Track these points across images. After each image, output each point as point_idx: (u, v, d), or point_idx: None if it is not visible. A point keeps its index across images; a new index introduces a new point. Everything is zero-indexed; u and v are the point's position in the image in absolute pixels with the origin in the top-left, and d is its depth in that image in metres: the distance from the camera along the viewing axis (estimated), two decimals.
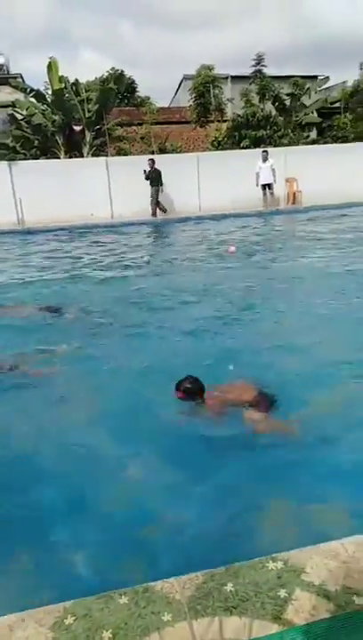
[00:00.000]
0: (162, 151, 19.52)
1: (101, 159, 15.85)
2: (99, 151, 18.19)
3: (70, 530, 2.25)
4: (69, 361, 4.12)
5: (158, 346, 4.52)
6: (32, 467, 2.76)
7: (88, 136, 17.86)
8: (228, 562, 1.61)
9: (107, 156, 16.97)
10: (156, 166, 14.61)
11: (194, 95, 20.11)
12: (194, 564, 1.64)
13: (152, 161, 14.70)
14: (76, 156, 17.89)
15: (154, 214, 14.93)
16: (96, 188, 14.91)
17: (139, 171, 14.48)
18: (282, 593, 1.47)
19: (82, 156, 17.87)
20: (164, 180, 14.82)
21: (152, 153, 18.25)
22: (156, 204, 14.88)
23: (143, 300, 6.10)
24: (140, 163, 14.75)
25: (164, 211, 15.06)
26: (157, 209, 14.98)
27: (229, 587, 1.51)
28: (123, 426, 3.13)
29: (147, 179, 14.58)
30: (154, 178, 14.62)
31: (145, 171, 14.52)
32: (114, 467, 2.70)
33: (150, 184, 14.69)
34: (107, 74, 21.74)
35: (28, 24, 74.82)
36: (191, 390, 3.12)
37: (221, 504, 2.40)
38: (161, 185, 14.81)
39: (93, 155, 17.77)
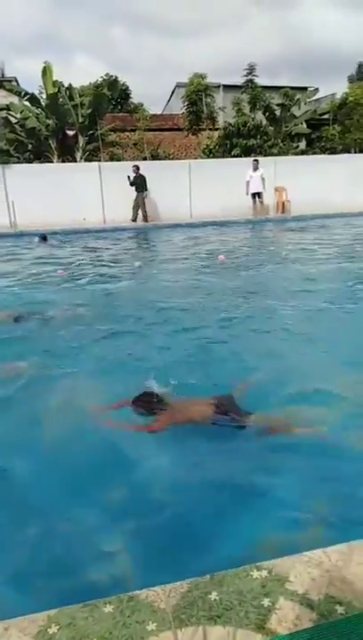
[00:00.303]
0: (154, 158, 19.61)
1: (94, 164, 15.88)
2: (92, 156, 18.22)
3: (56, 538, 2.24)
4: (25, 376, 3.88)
5: (132, 357, 4.36)
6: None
7: (81, 141, 17.89)
8: (214, 570, 1.61)
9: (100, 161, 17.00)
10: (141, 172, 14.68)
11: (186, 103, 20.28)
12: (170, 574, 1.63)
13: (136, 167, 14.78)
14: (68, 161, 17.91)
15: (145, 219, 14.99)
16: (89, 193, 14.92)
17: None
18: (266, 602, 1.47)
19: (75, 160, 17.89)
20: (156, 186, 14.89)
21: (144, 159, 18.33)
22: (144, 209, 14.93)
23: (128, 308, 6.00)
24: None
25: (134, 219, 14.98)
26: (138, 214, 15.01)
27: (214, 595, 1.51)
28: (88, 438, 3.06)
29: (132, 185, 14.64)
30: (139, 184, 14.70)
31: (129, 177, 14.57)
32: (90, 478, 2.67)
33: (136, 190, 14.76)
34: (101, 79, 21.85)
35: (23, 28, 74.97)
36: (146, 406, 3.07)
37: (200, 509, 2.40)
38: (146, 190, 14.86)
39: (86, 160, 17.79)
